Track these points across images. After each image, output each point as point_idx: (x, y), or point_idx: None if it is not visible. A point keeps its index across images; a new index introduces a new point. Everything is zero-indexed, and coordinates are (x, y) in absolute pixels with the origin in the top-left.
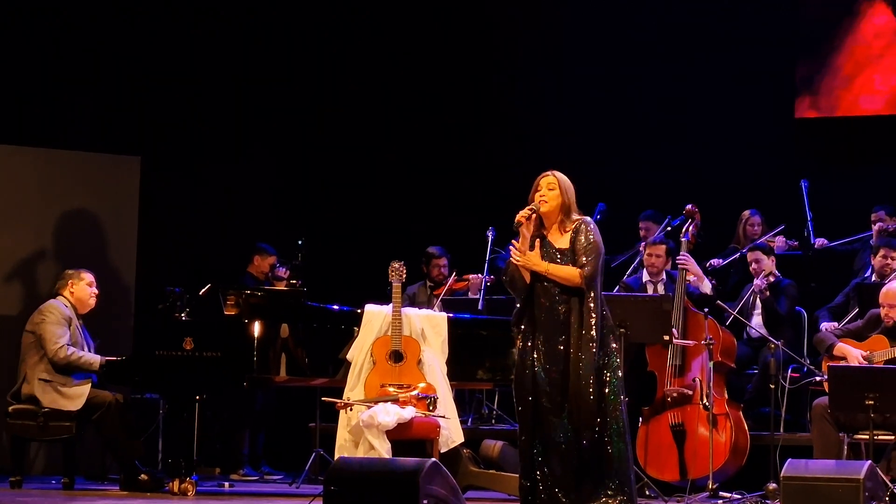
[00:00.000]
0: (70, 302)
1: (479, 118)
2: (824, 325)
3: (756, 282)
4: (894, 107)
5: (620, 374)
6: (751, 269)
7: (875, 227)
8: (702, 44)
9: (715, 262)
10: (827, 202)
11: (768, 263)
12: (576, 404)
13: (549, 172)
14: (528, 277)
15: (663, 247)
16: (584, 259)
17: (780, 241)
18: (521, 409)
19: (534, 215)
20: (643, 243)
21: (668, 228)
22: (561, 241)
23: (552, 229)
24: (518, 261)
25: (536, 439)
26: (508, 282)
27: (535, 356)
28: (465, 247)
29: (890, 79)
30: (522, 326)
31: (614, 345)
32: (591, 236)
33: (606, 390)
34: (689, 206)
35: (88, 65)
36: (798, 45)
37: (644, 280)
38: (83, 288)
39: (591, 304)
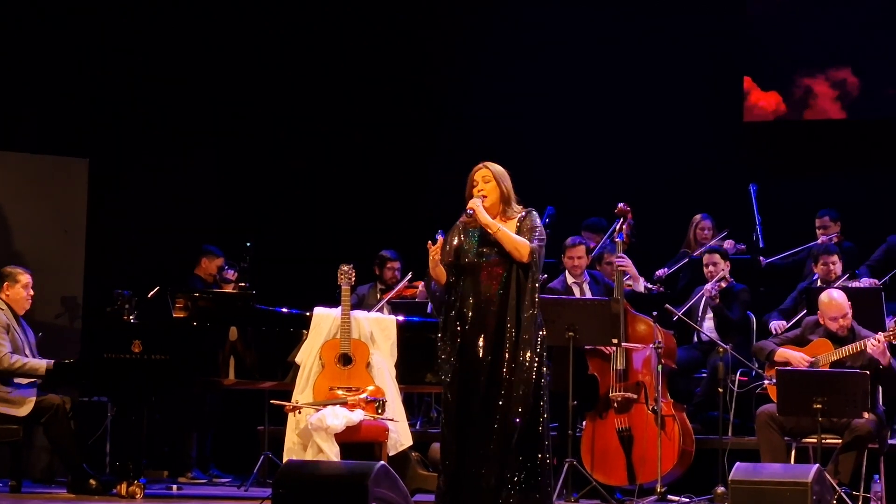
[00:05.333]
0: (6, 304)
1: (430, 123)
2: (773, 324)
3: (706, 286)
4: (843, 112)
5: (546, 373)
6: (706, 271)
7: (820, 240)
8: (650, 45)
9: (660, 272)
10: (775, 206)
11: (724, 268)
12: (508, 389)
13: (481, 165)
14: (443, 277)
15: (582, 247)
16: (531, 237)
17: (728, 245)
18: (449, 400)
19: (479, 210)
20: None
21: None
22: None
23: (495, 220)
24: (476, 209)
25: (462, 432)
26: (427, 282)
27: (460, 347)
28: (414, 249)
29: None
30: (447, 322)
31: (540, 340)
32: (539, 224)
33: (540, 381)
34: (620, 205)
35: (36, 67)
36: (746, 47)
37: (569, 282)
38: (18, 290)
39: (531, 286)
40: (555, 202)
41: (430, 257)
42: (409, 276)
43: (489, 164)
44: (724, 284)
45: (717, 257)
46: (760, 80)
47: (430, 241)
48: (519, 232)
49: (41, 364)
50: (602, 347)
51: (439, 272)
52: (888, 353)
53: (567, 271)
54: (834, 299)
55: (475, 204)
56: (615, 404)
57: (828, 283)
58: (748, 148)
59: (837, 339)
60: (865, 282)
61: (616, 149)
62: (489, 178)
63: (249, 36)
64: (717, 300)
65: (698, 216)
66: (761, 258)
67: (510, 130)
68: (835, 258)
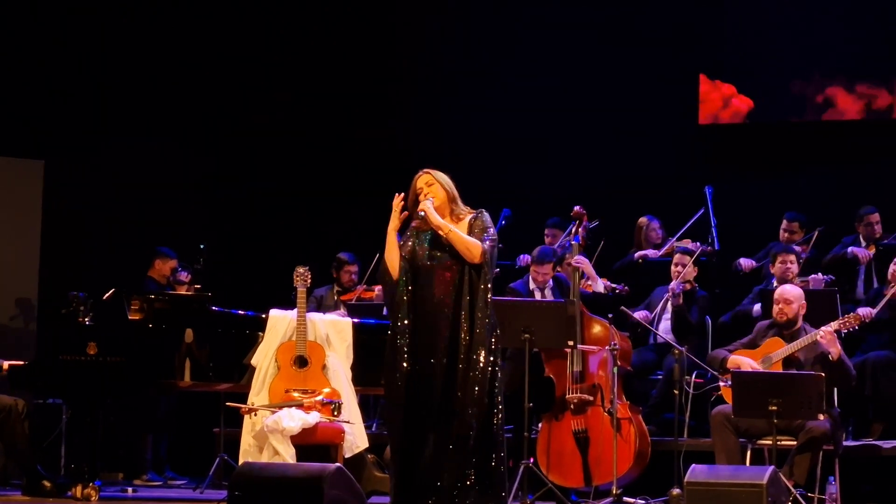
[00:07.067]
0: None
1: (390, 126)
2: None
3: (672, 284)
4: (798, 113)
5: (500, 374)
6: (674, 270)
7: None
8: (608, 47)
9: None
10: (731, 209)
11: (691, 271)
12: (463, 390)
13: (421, 172)
14: (395, 273)
15: (550, 265)
16: (483, 237)
17: (693, 245)
18: (391, 402)
19: (430, 211)
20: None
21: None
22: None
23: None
24: (426, 210)
25: (410, 434)
26: (381, 277)
27: (414, 349)
28: (372, 253)
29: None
30: (398, 323)
31: (495, 340)
32: (490, 224)
33: (495, 381)
34: (576, 208)
35: None
36: (701, 52)
37: (531, 287)
38: None
39: (483, 287)
40: (512, 204)
41: (392, 214)
42: (365, 281)
43: (430, 170)
44: (689, 287)
45: (687, 259)
46: (738, 82)
47: (399, 194)
48: (470, 232)
49: None
50: (558, 349)
51: (391, 241)
52: (838, 345)
53: (531, 278)
54: (786, 289)
55: (426, 206)
56: (571, 406)
57: (784, 283)
58: (703, 150)
59: (788, 339)
60: (817, 278)
61: (575, 151)
62: (433, 182)
63: (205, 38)
64: (681, 300)
65: (644, 219)
66: (743, 260)
67: (468, 134)
68: (793, 257)
